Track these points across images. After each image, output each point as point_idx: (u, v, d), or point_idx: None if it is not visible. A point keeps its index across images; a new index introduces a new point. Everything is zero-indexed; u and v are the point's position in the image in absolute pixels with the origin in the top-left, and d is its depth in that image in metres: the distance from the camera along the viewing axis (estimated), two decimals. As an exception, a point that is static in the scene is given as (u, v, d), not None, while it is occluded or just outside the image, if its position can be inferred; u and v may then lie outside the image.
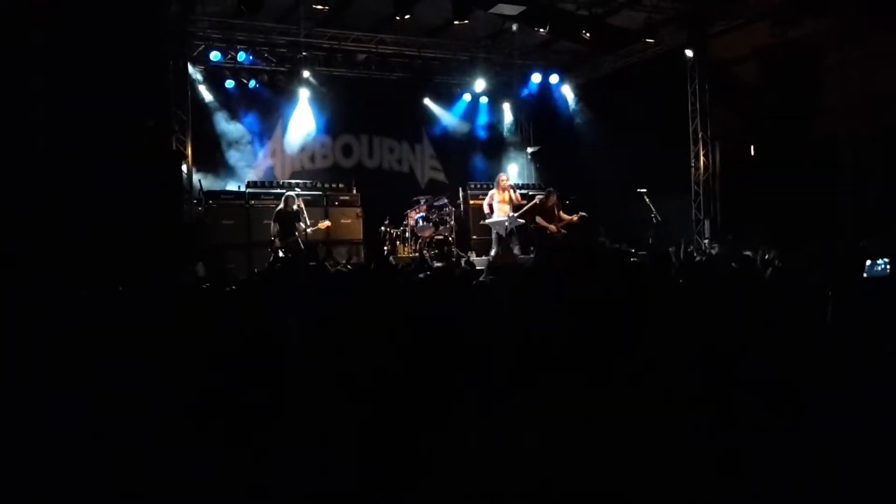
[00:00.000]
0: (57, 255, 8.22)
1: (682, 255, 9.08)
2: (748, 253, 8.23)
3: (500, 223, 11.80)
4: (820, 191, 11.38)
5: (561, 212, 11.97)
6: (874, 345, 3.14)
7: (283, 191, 12.82)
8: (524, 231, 12.03)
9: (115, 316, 4.62)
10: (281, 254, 10.98)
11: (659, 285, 4.06)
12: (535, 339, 2.86)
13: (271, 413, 2.78)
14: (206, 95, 13.39)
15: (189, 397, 2.98)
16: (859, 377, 2.87)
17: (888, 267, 8.77)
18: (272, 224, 11.36)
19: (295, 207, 11.33)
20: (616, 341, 2.62)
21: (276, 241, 11.19)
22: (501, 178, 12.23)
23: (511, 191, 12.03)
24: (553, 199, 11.92)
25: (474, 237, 13.35)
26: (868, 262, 8.77)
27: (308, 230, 11.29)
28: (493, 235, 11.97)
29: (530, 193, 13.01)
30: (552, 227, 11.74)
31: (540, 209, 11.89)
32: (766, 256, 8.50)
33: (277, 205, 11.53)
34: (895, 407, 2.61)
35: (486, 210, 12.02)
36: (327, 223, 11.92)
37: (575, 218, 11.83)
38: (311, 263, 8.52)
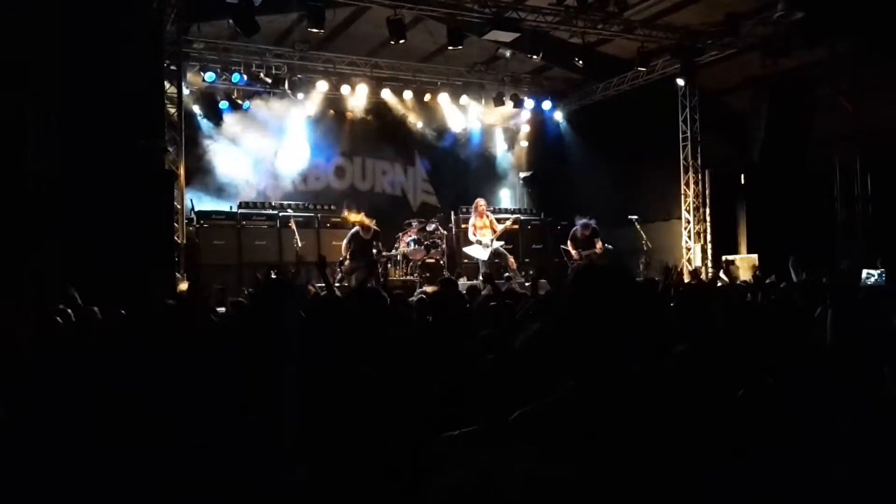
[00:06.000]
0: (45, 268, 8.18)
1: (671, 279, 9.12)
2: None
3: (480, 251, 11.98)
4: (811, 218, 11.49)
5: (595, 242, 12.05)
6: (871, 352, 3.18)
7: (275, 211, 12.83)
8: (503, 256, 12.22)
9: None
10: (273, 274, 10.92)
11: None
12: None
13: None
14: (200, 116, 13.41)
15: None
16: (858, 383, 2.90)
17: (883, 277, 8.83)
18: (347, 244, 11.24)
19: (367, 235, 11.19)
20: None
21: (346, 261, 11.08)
22: (479, 204, 12.43)
23: (488, 215, 12.26)
24: (587, 232, 12.00)
25: (465, 261, 13.36)
26: (864, 274, 8.83)
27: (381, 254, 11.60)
28: (480, 260, 12.09)
29: (515, 218, 13.57)
30: (575, 255, 11.90)
31: (573, 237, 12.07)
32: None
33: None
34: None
35: (472, 236, 12.23)
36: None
37: (598, 249, 11.87)
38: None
